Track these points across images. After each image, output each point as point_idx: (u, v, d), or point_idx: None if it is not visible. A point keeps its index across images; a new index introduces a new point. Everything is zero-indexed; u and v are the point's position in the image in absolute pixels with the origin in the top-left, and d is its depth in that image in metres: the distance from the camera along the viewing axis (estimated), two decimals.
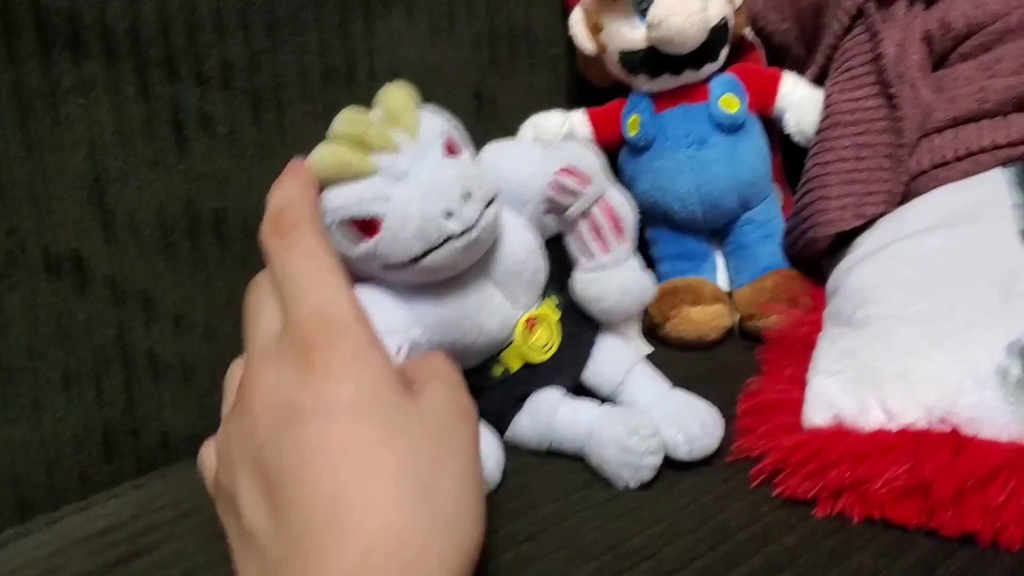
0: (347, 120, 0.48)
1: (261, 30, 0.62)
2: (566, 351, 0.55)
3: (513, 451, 0.55)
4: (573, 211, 0.55)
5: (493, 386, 0.55)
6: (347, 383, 0.35)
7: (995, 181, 0.59)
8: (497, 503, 0.50)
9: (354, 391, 0.35)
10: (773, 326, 0.64)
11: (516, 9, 0.73)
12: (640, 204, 0.70)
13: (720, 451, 0.53)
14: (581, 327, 0.57)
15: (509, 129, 0.72)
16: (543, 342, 0.54)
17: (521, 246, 0.54)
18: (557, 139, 0.69)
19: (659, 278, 0.73)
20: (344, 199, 0.46)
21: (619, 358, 0.57)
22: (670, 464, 0.53)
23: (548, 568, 0.45)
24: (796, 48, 0.73)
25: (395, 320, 0.50)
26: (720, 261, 0.73)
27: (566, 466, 0.54)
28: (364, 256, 0.48)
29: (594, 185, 0.55)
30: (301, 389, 0.35)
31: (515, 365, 0.54)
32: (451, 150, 0.50)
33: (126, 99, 0.58)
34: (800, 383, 0.55)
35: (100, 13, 0.56)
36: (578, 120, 0.71)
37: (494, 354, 0.54)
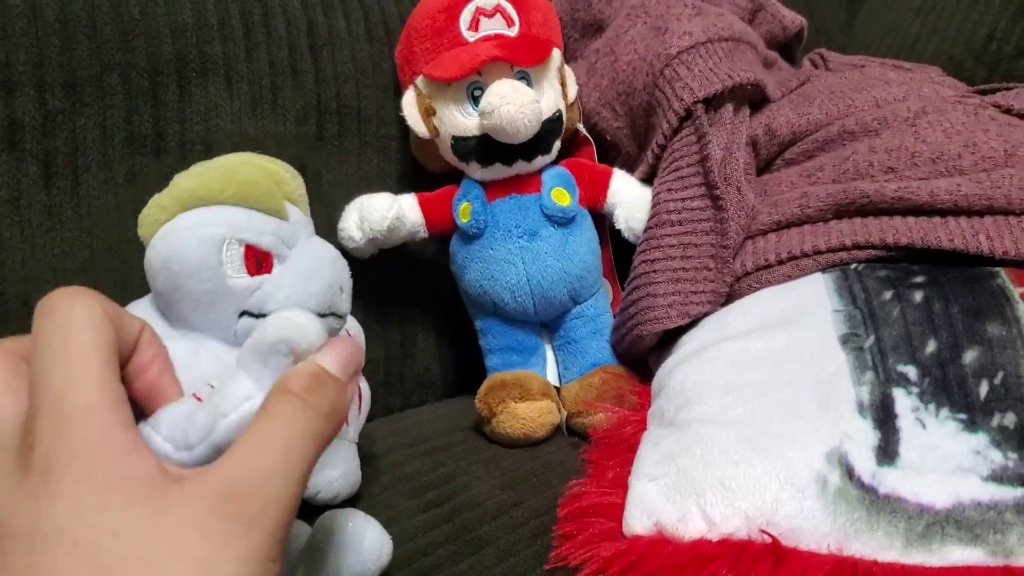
0: (262, 159, 0.46)
1: (58, 89, 0.57)
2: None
3: None
4: None
5: None
6: (60, 501, 0.29)
7: (815, 286, 0.60)
8: None
9: (67, 511, 0.28)
10: (599, 425, 0.63)
11: (346, 85, 0.70)
12: (470, 293, 0.70)
13: (540, 558, 0.50)
14: None
15: (333, 208, 0.69)
16: None
17: None
18: (384, 222, 0.65)
19: (488, 370, 0.71)
20: (257, 223, 0.43)
21: None
22: (484, 570, 0.50)
23: None
24: (627, 146, 0.73)
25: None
26: (550, 354, 0.71)
27: None
28: (233, 289, 0.43)
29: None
30: (13, 503, 0.29)
31: None
32: None
33: None
34: (623, 486, 0.53)
35: None
36: (408, 204, 0.68)
37: None
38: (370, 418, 0.71)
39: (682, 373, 0.59)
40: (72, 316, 0.31)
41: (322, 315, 0.44)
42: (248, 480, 0.30)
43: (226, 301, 0.43)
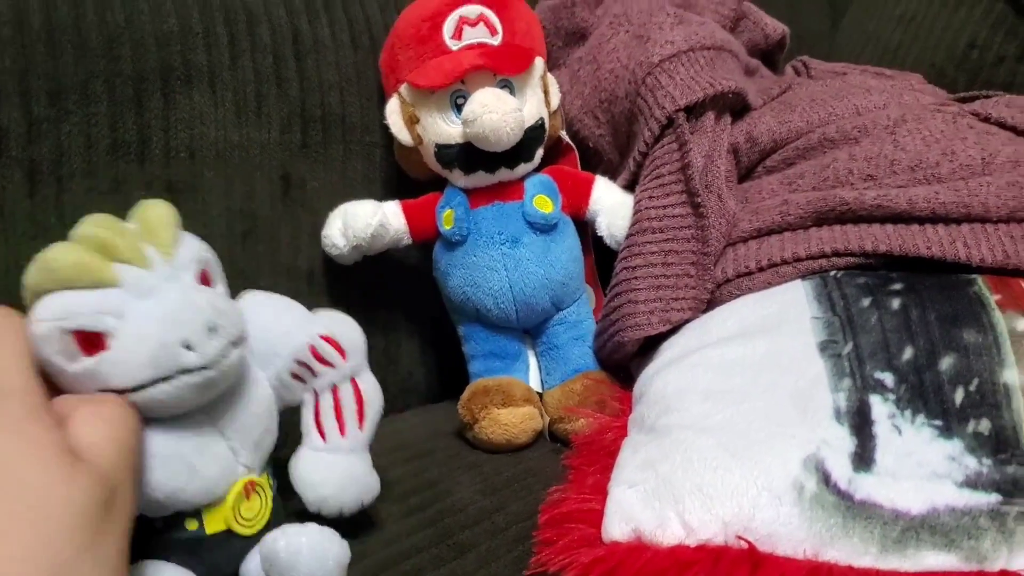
0: (96, 222, 0.43)
1: (43, 96, 0.57)
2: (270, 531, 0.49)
3: None
4: (322, 383, 0.52)
5: (179, 540, 0.47)
6: None
7: (795, 293, 0.61)
8: None
9: None
10: (580, 431, 0.63)
11: (331, 93, 0.71)
12: (453, 299, 0.70)
13: (521, 564, 0.51)
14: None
15: (318, 215, 0.69)
16: (253, 513, 0.48)
17: (260, 401, 0.49)
18: (367, 229, 0.66)
19: (471, 376, 0.71)
20: (72, 306, 0.41)
21: None
22: (465, 574, 0.50)
23: None
24: (610, 153, 0.74)
25: None
26: (533, 360, 0.72)
27: None
28: (81, 374, 0.42)
29: (350, 362, 0.52)
30: None
31: (213, 527, 0.47)
32: (205, 280, 0.46)
33: None
34: (603, 492, 0.54)
35: None
36: (391, 211, 0.69)
37: (194, 507, 0.47)
38: None
39: (663, 379, 0.59)
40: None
41: (168, 378, 0.42)
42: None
43: (82, 384, 0.42)
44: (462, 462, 0.64)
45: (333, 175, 0.72)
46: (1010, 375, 0.52)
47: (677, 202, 0.65)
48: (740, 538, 0.48)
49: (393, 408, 0.75)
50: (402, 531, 0.55)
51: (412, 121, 0.67)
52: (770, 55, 0.83)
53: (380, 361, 0.75)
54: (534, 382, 0.71)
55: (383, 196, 0.70)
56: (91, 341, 0.42)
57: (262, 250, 0.67)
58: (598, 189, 0.70)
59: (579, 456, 0.60)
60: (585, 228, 0.73)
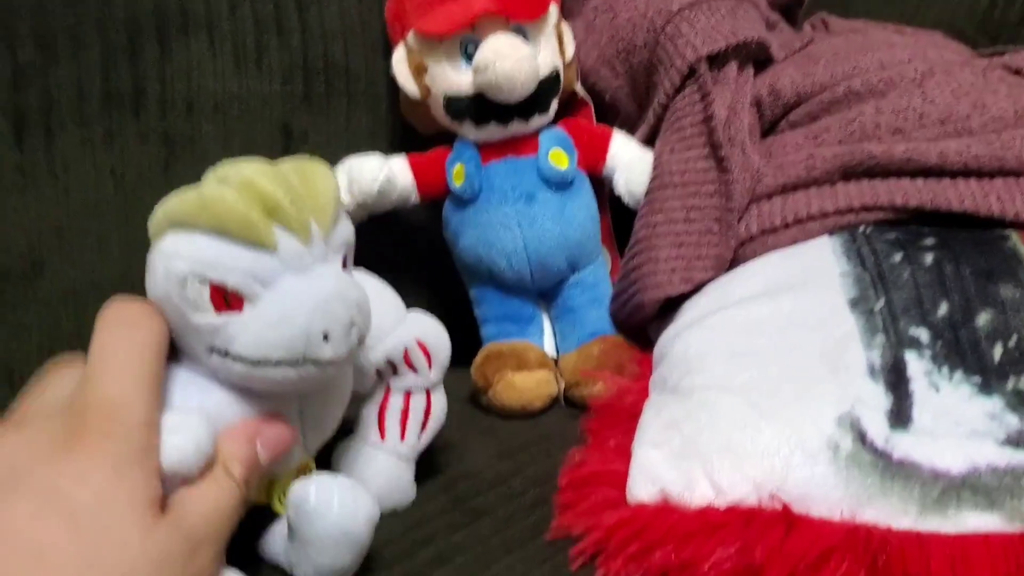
0: (267, 175, 0.39)
1: (29, 41, 0.54)
2: None
3: None
4: (399, 384, 0.51)
5: None
6: (85, 489, 0.33)
7: (822, 249, 0.59)
8: None
9: (88, 500, 0.33)
10: (598, 394, 0.61)
11: (334, 43, 0.68)
12: (465, 260, 0.67)
13: (539, 528, 0.49)
14: None
15: None
16: None
17: (343, 393, 0.48)
18: (373, 185, 0.63)
19: (484, 340, 0.69)
20: (226, 258, 0.38)
21: None
22: (485, 541, 0.48)
23: None
24: (627, 106, 0.71)
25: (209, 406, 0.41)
26: (547, 325, 0.69)
27: None
28: (202, 327, 0.39)
29: (434, 374, 0.52)
30: (39, 464, 0.33)
31: (256, 501, 0.45)
32: (344, 265, 0.43)
33: None
34: (625, 454, 0.52)
35: None
36: (398, 166, 0.66)
37: None
38: None
39: (685, 340, 0.57)
40: (147, 343, 0.38)
41: (294, 363, 0.40)
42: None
43: (191, 336, 0.40)
44: (476, 427, 0.62)
45: (336, 128, 0.69)
46: None
47: (700, 156, 0.63)
48: (774, 497, 0.45)
49: None
50: (421, 496, 0.53)
51: (420, 71, 0.64)
52: (789, 10, 0.80)
53: None
54: (549, 347, 0.69)
55: (389, 151, 0.67)
56: (226, 299, 0.38)
57: None
58: (616, 144, 0.68)
59: (598, 419, 0.57)
60: (601, 187, 0.70)
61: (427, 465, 0.56)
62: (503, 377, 0.63)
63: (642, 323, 0.65)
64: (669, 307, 0.64)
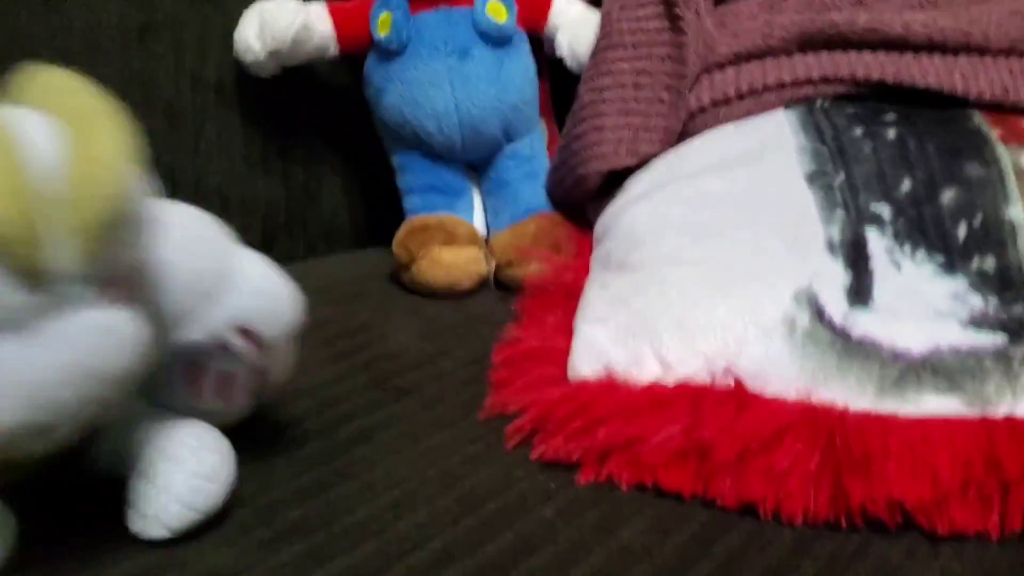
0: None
1: None
2: None
3: None
4: (218, 366, 0.40)
5: None
6: None
7: (778, 122, 0.56)
8: None
9: None
10: (534, 274, 0.58)
11: None
12: (388, 122, 0.63)
13: (471, 407, 0.47)
14: None
15: (231, 15, 0.61)
16: None
17: None
18: (288, 31, 0.57)
19: (406, 213, 0.65)
20: None
21: None
22: (411, 419, 0.46)
23: (240, 552, 0.36)
24: None
25: None
26: (478, 200, 0.66)
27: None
28: None
29: (264, 353, 0.40)
30: None
31: None
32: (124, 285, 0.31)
33: None
34: (565, 332, 0.50)
35: None
36: (317, 12, 0.60)
37: None
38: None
39: (631, 214, 0.54)
40: None
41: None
42: None
43: None
44: (398, 306, 0.58)
45: None
46: (1015, 211, 0.49)
47: (653, 14, 0.60)
48: (726, 373, 0.43)
49: (315, 252, 0.70)
50: (331, 377, 0.49)
51: None
52: None
53: (299, 197, 0.69)
54: (479, 223, 0.65)
55: None
56: None
57: (163, 51, 0.60)
58: (559, 1, 0.63)
59: (534, 299, 0.55)
60: (540, 50, 0.66)
61: (342, 343, 0.53)
62: (428, 252, 0.59)
63: (582, 199, 0.62)
64: (609, 184, 0.61)
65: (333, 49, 0.62)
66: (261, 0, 0.60)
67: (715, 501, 0.41)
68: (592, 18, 0.63)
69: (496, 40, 0.60)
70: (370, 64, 0.63)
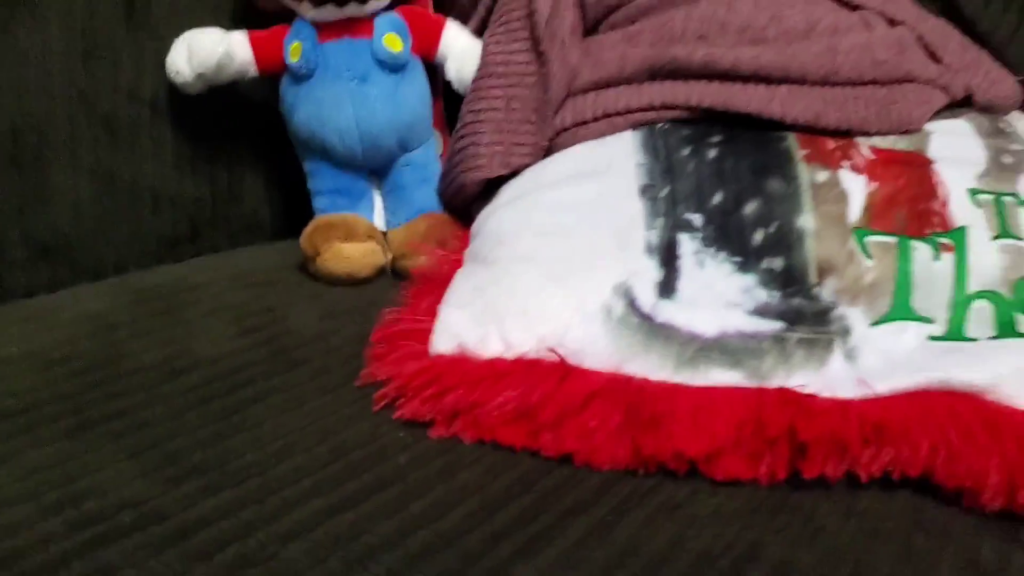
0: None
1: None
2: None
3: None
4: None
5: None
6: None
7: (625, 142, 0.65)
8: None
9: None
10: (421, 265, 0.66)
11: None
12: (299, 135, 0.71)
13: (351, 377, 0.54)
14: None
15: (163, 41, 0.68)
16: None
17: None
18: (212, 57, 0.66)
19: (315, 212, 0.73)
20: None
21: None
22: (301, 386, 0.53)
23: (146, 487, 0.43)
24: None
25: None
26: (378, 201, 0.74)
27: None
28: None
29: None
30: None
31: None
32: None
33: None
34: (434, 315, 0.57)
35: None
36: (238, 41, 0.68)
37: None
38: (196, 253, 0.72)
39: (498, 218, 0.63)
40: None
41: None
42: None
43: None
44: (303, 292, 0.66)
45: (180, 2, 0.70)
46: (805, 220, 0.57)
47: (522, 48, 0.67)
48: (551, 351, 0.52)
49: (237, 244, 0.77)
50: (235, 348, 0.57)
51: None
52: None
53: (224, 197, 0.76)
54: (379, 221, 0.73)
55: (232, 27, 0.69)
56: None
57: (103, 73, 0.66)
58: (449, 33, 0.72)
59: (417, 286, 0.63)
60: (435, 72, 0.74)
61: (249, 321, 0.60)
62: (331, 246, 0.67)
63: (465, 202, 0.70)
64: (491, 188, 0.69)
65: (253, 71, 0.69)
66: (189, 31, 0.67)
67: (540, 452, 0.49)
68: (476, 49, 0.70)
69: (392, 67, 0.68)
70: (284, 85, 0.70)
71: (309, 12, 0.67)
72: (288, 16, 0.70)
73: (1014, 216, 0.58)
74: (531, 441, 0.50)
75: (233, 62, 0.68)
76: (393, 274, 0.71)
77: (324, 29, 0.68)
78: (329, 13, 0.67)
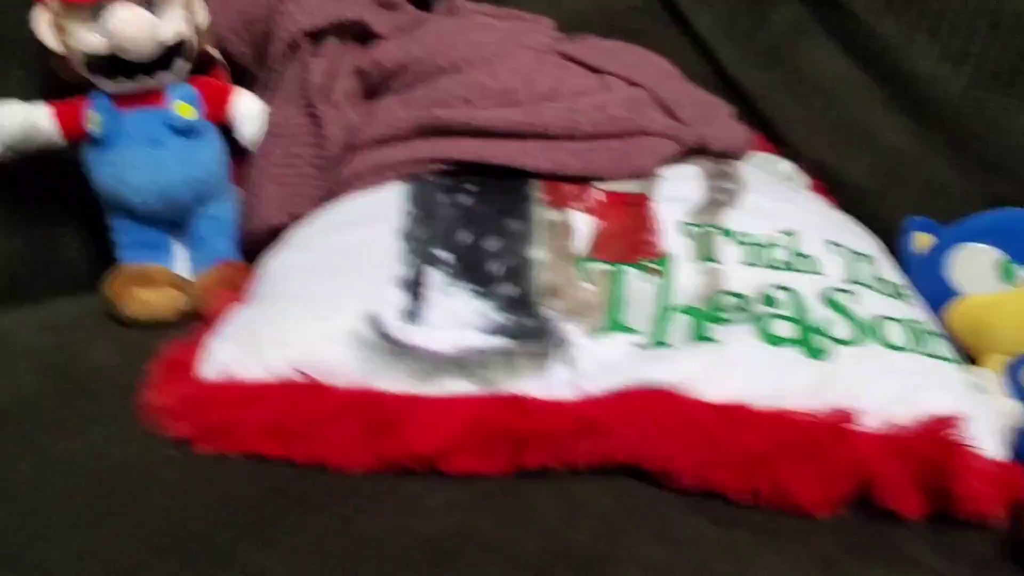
0: None
1: None
2: None
3: None
4: None
5: None
6: None
7: (395, 192, 0.73)
8: None
9: None
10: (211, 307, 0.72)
11: None
12: (102, 194, 0.77)
13: (135, 401, 0.60)
14: None
15: None
16: None
17: None
18: (16, 129, 0.73)
19: (120, 263, 0.78)
20: None
21: None
22: (90, 410, 0.59)
23: None
24: (253, 68, 0.84)
25: None
26: (181, 251, 0.81)
27: None
28: None
29: None
30: None
31: None
32: None
33: None
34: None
35: None
36: (42, 114, 0.75)
37: None
38: (16, 306, 0.78)
39: (277, 259, 0.71)
40: None
41: None
42: None
43: None
44: (106, 333, 0.72)
45: None
46: (536, 252, 0.67)
47: (299, 112, 0.76)
48: (301, 372, 0.60)
49: (57, 296, 0.82)
50: (30, 383, 0.63)
51: (61, 30, 0.73)
52: None
53: (42, 252, 0.82)
54: (182, 269, 0.80)
55: (41, 97, 0.76)
56: None
57: None
58: (236, 99, 0.80)
59: (201, 324, 0.69)
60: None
61: (51, 361, 0.66)
62: (129, 292, 0.74)
63: (256, 247, 0.77)
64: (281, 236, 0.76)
65: (59, 141, 0.76)
66: None
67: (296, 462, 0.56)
68: (260, 112, 0.79)
69: (184, 132, 0.76)
70: (86, 150, 0.77)
71: (106, 85, 0.75)
72: (89, 86, 0.77)
73: (714, 243, 0.69)
74: (288, 451, 0.56)
75: (39, 133, 0.75)
76: (197, 318, 0.77)
77: (122, 99, 0.75)
78: (123, 85, 0.75)
